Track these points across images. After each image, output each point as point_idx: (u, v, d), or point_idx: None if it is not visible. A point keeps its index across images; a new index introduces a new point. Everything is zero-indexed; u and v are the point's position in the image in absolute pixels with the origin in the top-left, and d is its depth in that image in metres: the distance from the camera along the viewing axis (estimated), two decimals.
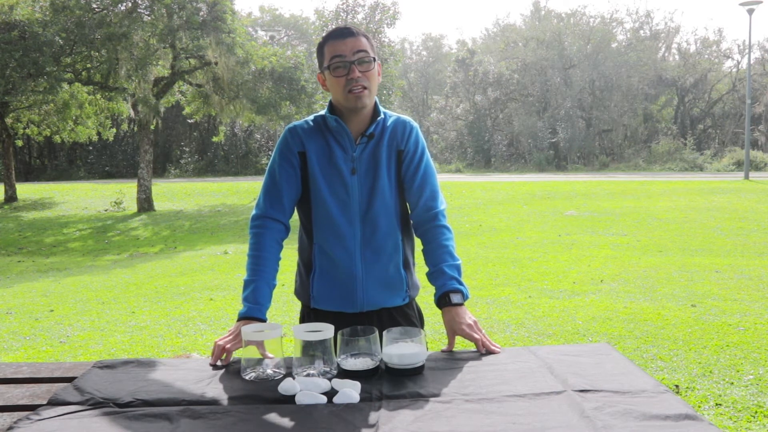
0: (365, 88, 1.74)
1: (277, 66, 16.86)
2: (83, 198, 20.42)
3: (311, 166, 1.81)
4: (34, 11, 15.46)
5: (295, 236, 1.97)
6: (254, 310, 1.71)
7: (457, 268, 1.79)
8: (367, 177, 1.81)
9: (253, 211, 1.88)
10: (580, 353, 1.63)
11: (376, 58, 1.78)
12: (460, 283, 1.76)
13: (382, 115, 1.83)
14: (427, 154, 1.90)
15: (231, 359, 1.64)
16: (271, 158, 1.88)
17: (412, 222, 1.90)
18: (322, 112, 1.86)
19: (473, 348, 1.67)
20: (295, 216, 1.93)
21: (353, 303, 1.84)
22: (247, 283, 1.76)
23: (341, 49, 1.73)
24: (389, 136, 1.83)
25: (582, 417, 1.22)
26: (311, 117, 1.88)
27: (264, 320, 1.71)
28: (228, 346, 1.63)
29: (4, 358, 4.54)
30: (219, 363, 1.62)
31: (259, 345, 1.55)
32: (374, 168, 1.81)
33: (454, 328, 1.70)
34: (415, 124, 1.89)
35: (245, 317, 1.70)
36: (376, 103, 1.83)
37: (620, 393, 1.34)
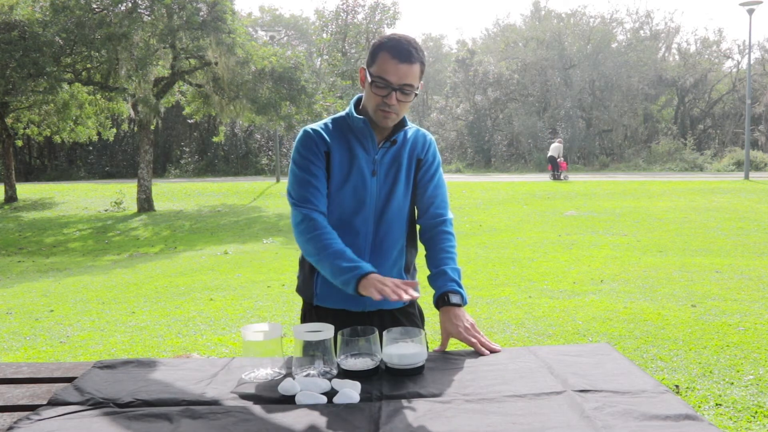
0: (395, 113, 1.75)
1: (277, 66, 16.87)
2: (83, 198, 20.42)
3: (334, 166, 1.81)
4: (34, 11, 15.47)
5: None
6: (366, 267, 1.64)
7: (458, 273, 1.82)
8: (386, 180, 1.84)
9: (291, 200, 1.80)
10: (580, 353, 1.63)
11: (420, 82, 1.76)
12: (460, 287, 1.78)
13: (408, 126, 1.87)
14: (441, 167, 1.96)
15: (228, 359, 1.64)
16: (296, 157, 1.82)
17: (419, 227, 1.93)
18: (343, 113, 1.85)
19: (473, 348, 1.67)
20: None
21: (357, 302, 1.84)
22: (334, 254, 1.67)
23: (390, 71, 1.69)
24: (411, 145, 1.88)
25: (582, 417, 1.22)
26: (329, 119, 1.87)
27: (374, 271, 1.65)
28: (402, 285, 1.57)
29: (4, 358, 4.54)
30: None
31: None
32: (394, 173, 1.84)
33: (449, 330, 1.71)
34: (433, 138, 1.96)
35: (366, 274, 1.63)
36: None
37: (620, 393, 1.34)
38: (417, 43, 1.73)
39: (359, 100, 1.85)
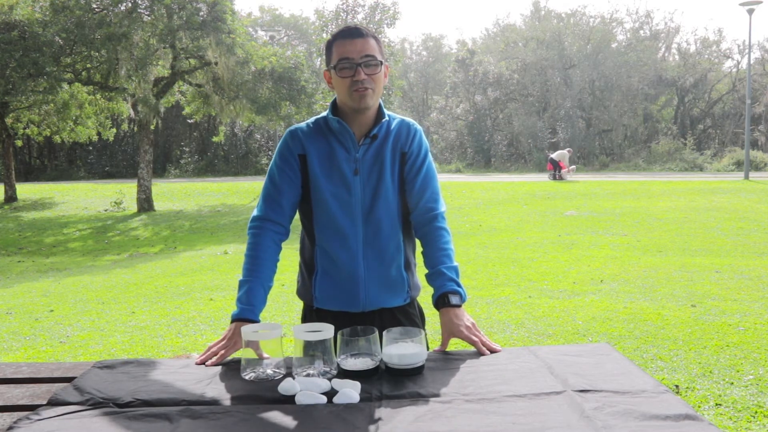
0: (369, 89, 1.74)
1: (277, 66, 16.87)
2: (83, 198, 20.43)
3: (312, 168, 1.81)
4: (34, 11, 15.47)
5: (296, 237, 1.97)
6: (247, 311, 1.71)
7: (456, 271, 1.79)
8: (370, 178, 1.81)
9: (253, 213, 1.88)
10: (580, 353, 1.63)
11: (384, 60, 1.78)
12: (459, 285, 1.77)
13: (387, 117, 1.83)
14: (430, 156, 1.91)
15: (227, 359, 1.65)
16: (272, 161, 1.88)
17: (412, 223, 1.90)
18: (324, 114, 1.86)
19: (473, 348, 1.67)
20: (297, 217, 1.94)
21: (356, 303, 1.84)
22: (241, 284, 1.76)
23: (349, 50, 1.72)
24: (394, 138, 1.84)
25: (582, 417, 1.22)
26: (312, 119, 1.88)
27: (257, 322, 1.71)
28: (222, 351, 1.64)
29: (4, 358, 4.54)
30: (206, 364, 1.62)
31: (255, 345, 1.55)
32: (378, 169, 1.81)
33: (451, 330, 1.70)
34: (419, 127, 1.90)
35: (238, 319, 1.70)
36: (380, 105, 1.84)
37: (620, 393, 1.34)
38: (363, 25, 1.80)
39: (336, 103, 1.85)
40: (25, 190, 22.15)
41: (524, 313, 5.19)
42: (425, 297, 1.82)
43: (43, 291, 7.57)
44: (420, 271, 1.94)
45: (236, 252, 10.37)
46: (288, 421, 1.26)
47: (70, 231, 14.95)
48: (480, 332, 1.70)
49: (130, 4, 15.91)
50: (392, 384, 1.44)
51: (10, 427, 1.24)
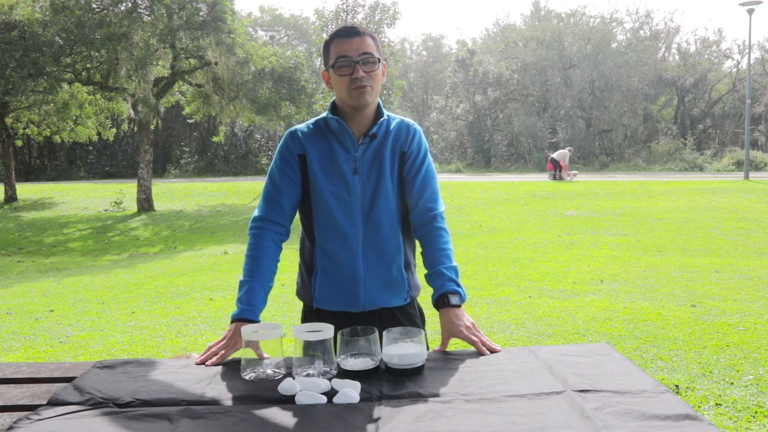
0: (368, 86, 1.75)
1: (277, 66, 16.87)
2: (83, 198, 20.43)
3: (312, 168, 1.81)
4: (34, 11, 15.48)
5: (296, 237, 1.97)
6: (247, 311, 1.71)
7: (455, 271, 1.79)
8: (369, 177, 1.81)
9: (254, 213, 1.88)
10: (580, 353, 1.63)
11: (381, 58, 1.79)
12: (458, 285, 1.76)
13: (385, 117, 1.84)
14: (429, 156, 1.91)
15: (227, 359, 1.65)
16: (272, 162, 1.89)
17: (411, 223, 1.90)
18: (324, 114, 1.86)
19: (473, 348, 1.67)
20: (297, 218, 1.94)
21: (356, 303, 1.84)
22: (242, 284, 1.76)
23: (346, 48, 1.74)
24: (393, 138, 1.84)
25: (582, 417, 1.22)
26: (312, 120, 1.89)
27: (257, 322, 1.71)
28: (222, 351, 1.64)
29: (4, 358, 4.54)
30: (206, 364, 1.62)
31: (255, 345, 1.55)
32: (378, 169, 1.81)
33: (451, 330, 1.70)
34: (419, 127, 1.91)
35: (238, 319, 1.70)
36: (379, 104, 1.84)
37: (620, 393, 1.34)
38: (360, 24, 1.82)
39: (335, 103, 1.86)
40: (25, 190, 22.15)
41: (524, 313, 5.19)
42: (425, 297, 1.82)
43: (43, 291, 7.57)
44: (419, 271, 1.94)
45: (236, 252, 10.37)
46: (288, 421, 1.26)
47: (70, 231, 14.95)
48: (480, 332, 1.70)
49: (130, 4, 15.91)
50: (392, 384, 1.44)
51: (10, 427, 1.24)
